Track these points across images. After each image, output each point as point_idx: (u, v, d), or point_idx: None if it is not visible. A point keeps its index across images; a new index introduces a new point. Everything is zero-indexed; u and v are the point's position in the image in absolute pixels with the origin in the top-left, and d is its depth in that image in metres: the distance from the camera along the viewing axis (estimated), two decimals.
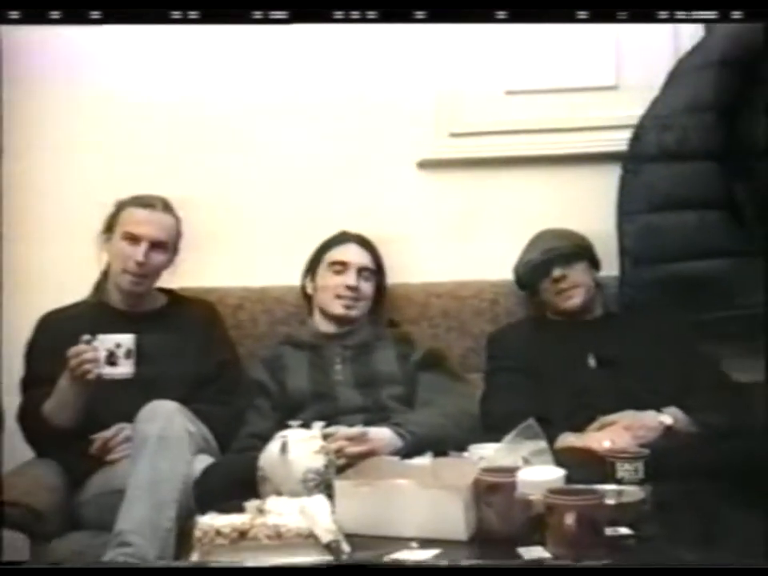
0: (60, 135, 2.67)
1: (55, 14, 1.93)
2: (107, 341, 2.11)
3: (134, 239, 2.31)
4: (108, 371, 2.10)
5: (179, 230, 2.41)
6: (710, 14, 1.97)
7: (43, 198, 2.66)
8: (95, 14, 1.93)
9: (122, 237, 2.33)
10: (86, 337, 2.12)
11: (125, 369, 2.11)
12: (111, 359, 2.10)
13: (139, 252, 2.30)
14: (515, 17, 1.96)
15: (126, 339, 2.12)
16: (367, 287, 2.48)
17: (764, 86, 2.42)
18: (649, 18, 2.01)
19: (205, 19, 1.94)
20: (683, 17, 1.98)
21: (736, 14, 1.95)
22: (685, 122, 2.46)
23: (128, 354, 2.11)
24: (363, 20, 1.94)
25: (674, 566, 1.50)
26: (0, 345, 2.30)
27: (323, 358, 2.42)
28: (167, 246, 2.37)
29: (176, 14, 1.93)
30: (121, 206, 2.37)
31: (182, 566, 1.63)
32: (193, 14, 1.93)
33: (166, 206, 2.38)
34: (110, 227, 2.37)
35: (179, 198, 2.45)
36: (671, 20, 2.00)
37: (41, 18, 1.94)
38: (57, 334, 2.24)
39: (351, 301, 2.44)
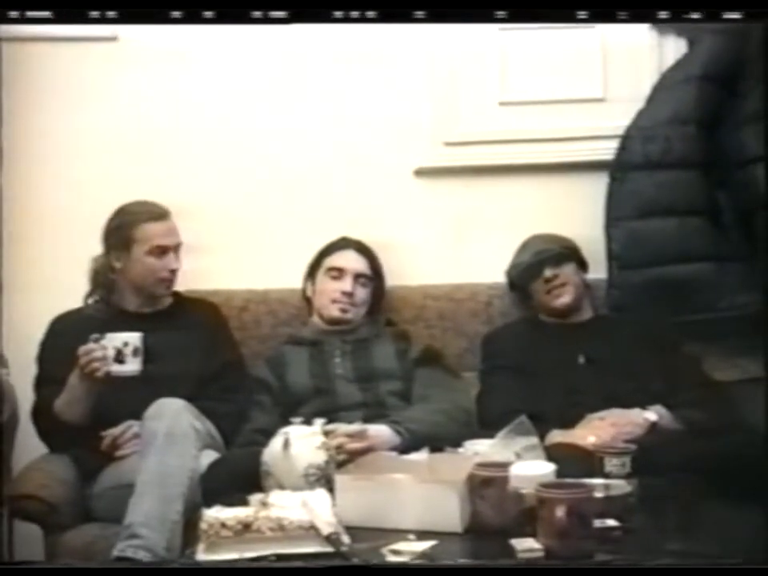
0: (61, 136, 2.63)
1: (54, 14, 1.90)
2: (115, 339, 2.10)
3: (163, 251, 2.33)
4: (116, 369, 2.09)
5: None
6: (709, 15, 1.93)
7: (43, 199, 2.63)
8: (94, 14, 1.89)
9: (148, 252, 2.31)
10: (95, 335, 2.11)
11: (132, 366, 2.10)
12: (119, 357, 2.09)
13: (172, 261, 2.34)
14: (515, 17, 1.92)
15: (134, 338, 2.11)
16: (363, 293, 2.47)
17: (743, 99, 2.43)
18: (649, 18, 1.98)
19: (204, 18, 1.90)
20: (682, 17, 1.94)
21: (735, 15, 1.92)
22: (668, 133, 2.47)
23: (135, 352, 2.10)
24: (363, 20, 1.90)
25: (674, 566, 1.49)
26: (0, 344, 2.28)
27: (323, 352, 2.41)
28: (180, 248, 2.40)
29: (176, 14, 1.89)
30: (131, 223, 2.32)
31: (184, 565, 1.61)
32: (192, 14, 1.89)
33: (165, 210, 2.38)
34: (126, 245, 2.32)
35: (185, 205, 2.45)
36: (671, 20, 1.96)
37: (40, 18, 1.90)
38: (68, 334, 2.23)
39: (347, 306, 2.43)
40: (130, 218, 2.34)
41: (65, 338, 2.24)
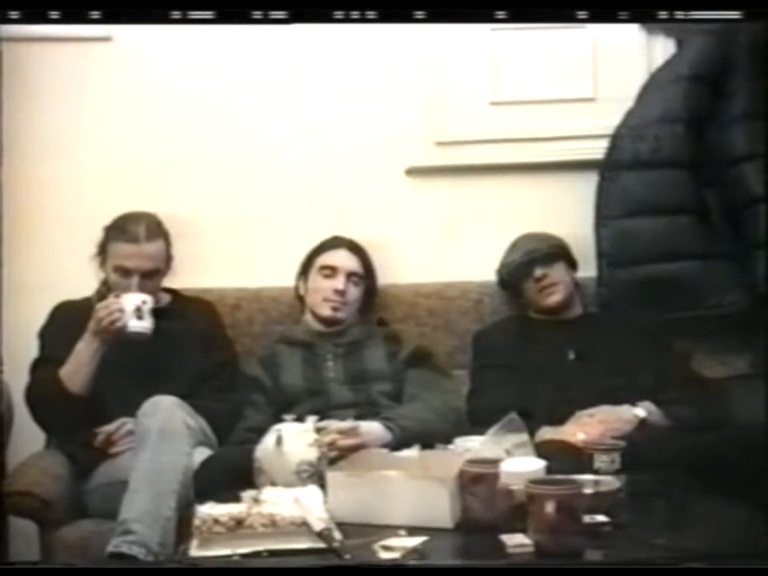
0: (61, 136, 2.62)
1: (55, 14, 1.88)
2: (134, 297, 2.17)
3: (125, 272, 2.26)
4: (134, 324, 2.15)
5: (168, 245, 2.33)
6: (709, 15, 1.92)
7: (43, 198, 2.61)
8: (95, 14, 1.88)
9: (113, 270, 2.28)
10: (114, 293, 2.18)
11: (148, 324, 2.17)
12: (138, 313, 2.15)
13: (132, 284, 2.24)
14: (515, 17, 1.91)
15: (150, 298, 2.19)
16: (355, 291, 2.47)
17: (731, 98, 2.44)
18: (648, 18, 1.96)
19: (204, 19, 1.89)
20: (682, 17, 1.93)
21: (735, 15, 1.91)
22: (657, 133, 2.47)
23: (151, 312, 2.17)
24: (363, 20, 1.88)
25: (674, 567, 1.48)
26: (0, 344, 2.28)
27: (316, 356, 2.41)
28: (159, 270, 2.31)
29: (175, 14, 1.87)
30: (107, 237, 2.29)
31: (183, 566, 1.61)
32: (191, 14, 1.88)
33: (150, 233, 2.27)
34: (101, 252, 2.31)
35: (179, 205, 2.44)
36: (670, 20, 1.95)
37: (41, 18, 1.90)
38: (71, 318, 2.25)
39: (339, 304, 2.42)
40: (109, 232, 2.30)
41: (68, 321, 2.26)
